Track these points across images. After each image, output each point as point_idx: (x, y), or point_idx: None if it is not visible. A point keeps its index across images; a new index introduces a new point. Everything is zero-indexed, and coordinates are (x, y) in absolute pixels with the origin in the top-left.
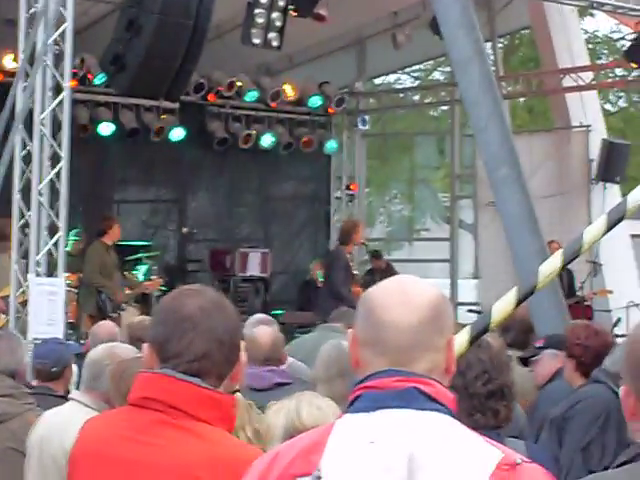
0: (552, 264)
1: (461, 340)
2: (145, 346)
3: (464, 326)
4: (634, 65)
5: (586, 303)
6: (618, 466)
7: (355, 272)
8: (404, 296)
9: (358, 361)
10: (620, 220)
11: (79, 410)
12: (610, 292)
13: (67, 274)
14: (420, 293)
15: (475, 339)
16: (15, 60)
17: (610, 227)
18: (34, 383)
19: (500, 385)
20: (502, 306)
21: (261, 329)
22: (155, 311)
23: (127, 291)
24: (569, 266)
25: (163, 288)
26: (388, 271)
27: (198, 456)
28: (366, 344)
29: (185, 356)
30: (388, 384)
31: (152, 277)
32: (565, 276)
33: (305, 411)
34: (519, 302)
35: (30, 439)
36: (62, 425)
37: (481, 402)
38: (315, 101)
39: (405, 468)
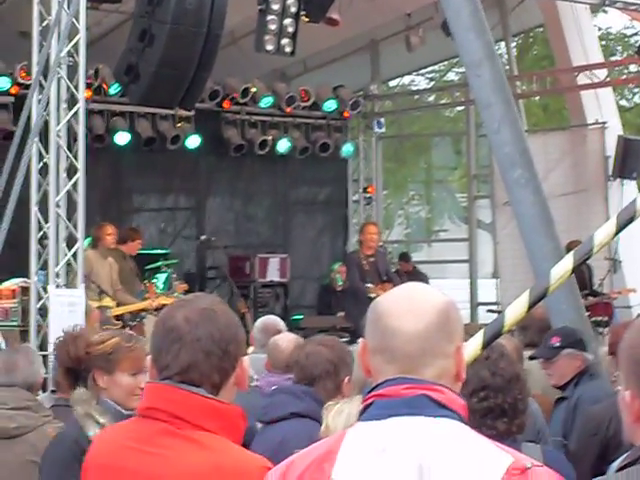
0: (563, 267)
1: (475, 343)
2: (148, 358)
3: (485, 326)
4: None
5: (606, 300)
6: (620, 469)
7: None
8: (411, 303)
9: (369, 369)
10: (630, 221)
11: None
12: (634, 291)
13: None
14: (427, 300)
15: (489, 342)
16: (29, 72)
17: (620, 228)
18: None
19: (500, 403)
20: (515, 309)
21: (283, 336)
22: (155, 323)
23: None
24: (589, 262)
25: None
26: (414, 274)
27: (202, 466)
28: (375, 352)
29: (172, 368)
30: (398, 392)
31: (176, 283)
32: (586, 271)
33: None
34: (532, 305)
35: None
36: None
37: (476, 419)
38: (330, 105)
39: (416, 475)
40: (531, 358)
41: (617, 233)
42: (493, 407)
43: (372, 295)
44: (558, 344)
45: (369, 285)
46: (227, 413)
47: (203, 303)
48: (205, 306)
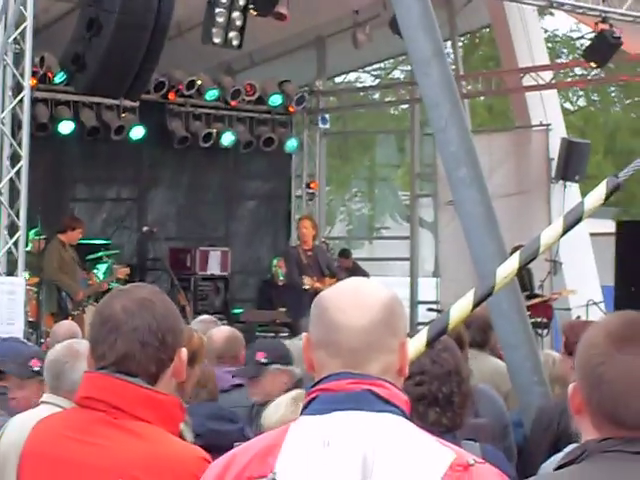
0: (509, 266)
1: (419, 342)
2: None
3: (424, 324)
4: (593, 64)
5: (546, 302)
6: (561, 467)
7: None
8: (356, 298)
9: (312, 364)
10: (577, 222)
11: (52, 412)
12: (573, 292)
13: (27, 274)
14: (372, 294)
15: (433, 340)
16: None
17: (567, 229)
18: None
19: (434, 391)
20: (460, 308)
21: (217, 329)
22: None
23: (90, 284)
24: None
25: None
26: (355, 270)
27: (136, 456)
28: (319, 346)
29: (108, 358)
30: (342, 386)
31: (116, 267)
32: (525, 274)
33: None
34: (477, 304)
35: (1, 444)
36: None
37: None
38: (275, 100)
39: (359, 470)
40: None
41: (564, 234)
42: (426, 394)
43: (307, 287)
44: (264, 360)
45: (305, 277)
46: (164, 403)
47: (141, 293)
48: (143, 296)
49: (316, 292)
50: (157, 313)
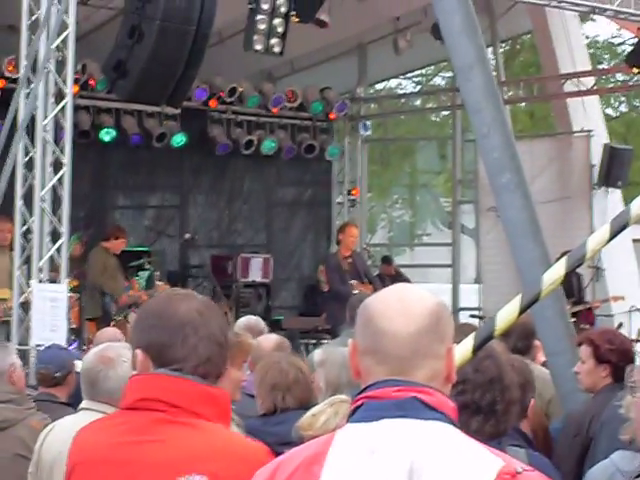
0: (555, 272)
1: (466, 347)
2: (138, 352)
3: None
4: (635, 70)
5: (587, 307)
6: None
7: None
8: (403, 304)
9: (359, 371)
10: (624, 228)
11: (93, 418)
12: (622, 298)
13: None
14: (419, 301)
15: (480, 346)
16: (17, 66)
17: (614, 235)
18: (37, 390)
19: (477, 399)
20: (506, 314)
21: (265, 337)
22: (143, 316)
23: (131, 293)
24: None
25: None
26: (397, 277)
27: (201, 448)
28: (366, 353)
29: (190, 361)
30: (388, 394)
31: (158, 283)
32: (575, 281)
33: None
34: (523, 310)
35: (43, 449)
36: None
37: None
38: (316, 107)
39: (406, 478)
40: None
41: (610, 240)
42: (469, 403)
43: (356, 292)
44: None
45: (352, 282)
46: (219, 398)
47: (202, 297)
48: (207, 300)
49: None
50: (221, 317)
